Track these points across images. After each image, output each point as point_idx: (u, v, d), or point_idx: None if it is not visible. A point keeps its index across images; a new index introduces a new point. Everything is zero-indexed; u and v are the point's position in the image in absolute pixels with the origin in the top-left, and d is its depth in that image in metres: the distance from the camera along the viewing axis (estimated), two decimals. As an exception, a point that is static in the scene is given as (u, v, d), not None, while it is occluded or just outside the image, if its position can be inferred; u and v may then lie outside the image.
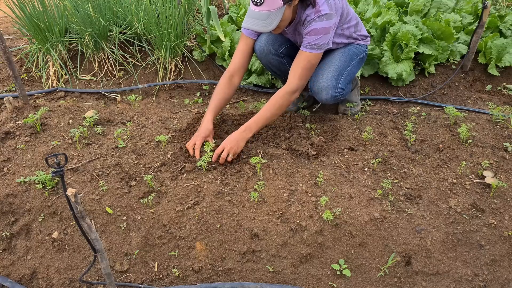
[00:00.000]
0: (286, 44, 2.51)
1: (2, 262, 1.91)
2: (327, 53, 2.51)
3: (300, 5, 2.18)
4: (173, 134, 2.45)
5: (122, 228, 1.93)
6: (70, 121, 2.52)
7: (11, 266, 1.90)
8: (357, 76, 2.91)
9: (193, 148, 2.21)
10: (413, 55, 3.02)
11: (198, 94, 3.18)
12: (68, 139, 2.36)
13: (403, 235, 1.88)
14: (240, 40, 2.42)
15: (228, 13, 3.68)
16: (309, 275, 1.81)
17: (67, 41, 3.29)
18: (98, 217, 1.95)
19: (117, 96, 3.04)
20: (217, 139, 2.38)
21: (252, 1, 2.06)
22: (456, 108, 2.74)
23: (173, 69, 3.26)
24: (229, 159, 2.13)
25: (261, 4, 2.03)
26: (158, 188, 2.06)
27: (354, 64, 2.49)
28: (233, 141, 2.15)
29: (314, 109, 2.78)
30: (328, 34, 2.17)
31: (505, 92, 3.14)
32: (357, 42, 2.52)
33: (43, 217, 1.98)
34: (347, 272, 1.79)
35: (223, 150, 2.13)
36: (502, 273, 1.84)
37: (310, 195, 2.00)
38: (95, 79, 3.26)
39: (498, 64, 3.21)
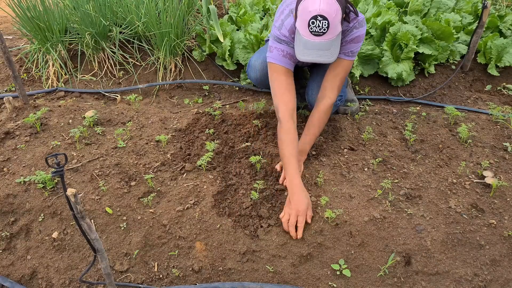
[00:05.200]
0: None
1: (2, 262, 1.91)
2: (317, 64, 2.48)
3: None
4: (173, 134, 2.45)
5: (122, 228, 1.93)
6: (70, 121, 2.53)
7: (11, 266, 1.90)
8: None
9: (292, 226, 1.83)
10: (413, 55, 3.02)
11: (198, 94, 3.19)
12: (68, 139, 2.36)
13: (403, 235, 1.88)
14: (277, 74, 2.08)
15: (228, 13, 3.68)
16: (309, 275, 1.81)
17: (67, 41, 3.28)
18: (98, 217, 1.95)
19: (117, 96, 3.04)
20: (217, 139, 2.38)
21: (310, 31, 1.79)
22: (456, 108, 2.74)
23: (173, 69, 3.26)
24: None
25: (324, 33, 1.78)
26: (158, 188, 2.06)
27: None
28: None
29: (314, 109, 2.78)
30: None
31: (505, 92, 3.14)
32: None
33: (43, 217, 1.98)
34: (347, 272, 1.79)
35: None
36: (502, 273, 1.84)
37: (310, 195, 2.00)
38: (95, 79, 3.26)
39: (498, 64, 3.20)
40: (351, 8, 1.97)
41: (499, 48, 3.17)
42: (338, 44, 1.87)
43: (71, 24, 3.26)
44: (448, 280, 1.81)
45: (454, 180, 2.15)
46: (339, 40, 1.87)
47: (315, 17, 1.76)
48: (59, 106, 2.68)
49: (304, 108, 2.75)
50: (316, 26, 1.77)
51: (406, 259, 1.84)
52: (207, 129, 2.46)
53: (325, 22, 1.76)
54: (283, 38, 2.06)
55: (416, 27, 3.08)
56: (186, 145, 2.34)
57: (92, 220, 1.93)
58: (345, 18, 1.98)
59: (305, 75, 2.88)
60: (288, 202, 1.89)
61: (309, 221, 1.86)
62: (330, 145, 2.34)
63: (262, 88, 2.50)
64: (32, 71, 3.27)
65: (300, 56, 1.89)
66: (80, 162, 2.19)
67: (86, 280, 1.81)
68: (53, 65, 3.21)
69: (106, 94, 3.09)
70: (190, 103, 3.02)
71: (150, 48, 3.32)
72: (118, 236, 1.92)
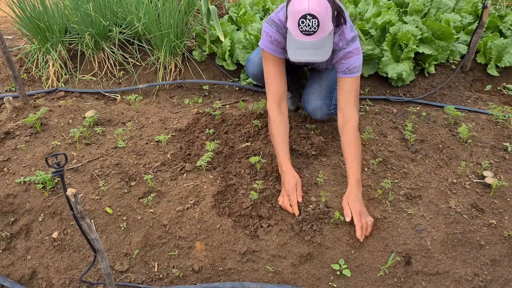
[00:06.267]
0: None
1: (2, 262, 1.91)
2: (315, 69, 2.48)
3: None
4: (173, 134, 2.45)
5: (122, 228, 1.93)
6: (70, 121, 2.53)
7: (11, 266, 1.90)
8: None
9: (291, 205, 1.92)
10: (413, 55, 3.02)
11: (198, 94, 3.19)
12: (68, 139, 2.36)
13: (403, 235, 1.88)
14: (266, 61, 2.11)
15: (228, 13, 3.68)
16: (309, 275, 1.81)
17: (67, 41, 3.28)
18: (98, 217, 1.95)
19: (117, 96, 3.04)
20: (217, 139, 2.38)
21: (301, 31, 1.78)
22: (456, 108, 2.74)
23: (173, 69, 3.26)
24: (370, 227, 1.86)
25: (315, 32, 1.77)
26: (158, 188, 2.06)
27: None
28: (360, 202, 1.89)
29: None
30: (360, 53, 2.04)
31: (505, 92, 3.14)
32: None
33: (43, 217, 1.98)
34: (347, 272, 1.79)
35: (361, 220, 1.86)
36: (502, 273, 1.84)
37: (310, 195, 2.00)
38: (95, 79, 3.26)
39: (498, 64, 3.21)
40: (342, 13, 1.94)
41: (499, 48, 3.18)
42: (330, 42, 1.85)
43: (71, 24, 3.26)
44: (448, 280, 1.81)
45: (454, 180, 2.15)
46: (331, 38, 1.84)
47: (304, 16, 1.74)
48: (59, 106, 2.68)
49: (304, 108, 2.75)
50: (306, 25, 1.76)
51: (406, 259, 1.84)
52: (207, 129, 2.46)
53: (315, 21, 1.74)
54: (276, 21, 2.03)
55: (416, 27, 3.08)
56: (186, 145, 2.34)
57: (92, 220, 1.93)
58: (337, 18, 1.94)
59: (305, 75, 2.88)
60: (286, 186, 1.98)
61: (299, 199, 1.94)
62: (330, 145, 2.34)
63: (260, 84, 2.52)
64: (32, 71, 3.27)
65: (292, 57, 1.87)
66: (80, 162, 2.19)
67: (86, 280, 1.81)
68: (53, 65, 3.21)
69: (106, 94, 3.09)
70: (190, 103, 3.02)
71: (150, 48, 3.32)
72: (118, 236, 1.92)
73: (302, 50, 1.84)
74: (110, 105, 2.91)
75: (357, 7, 3.61)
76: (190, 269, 1.84)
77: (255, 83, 3.10)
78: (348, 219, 1.86)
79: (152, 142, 2.37)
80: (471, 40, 3.13)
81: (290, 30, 1.82)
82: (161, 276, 1.83)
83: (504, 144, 2.40)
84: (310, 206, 1.95)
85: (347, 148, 2.01)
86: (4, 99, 2.59)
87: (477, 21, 3.09)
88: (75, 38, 3.28)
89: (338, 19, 1.95)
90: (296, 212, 1.90)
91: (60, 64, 3.21)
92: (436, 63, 3.19)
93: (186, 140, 2.39)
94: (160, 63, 3.23)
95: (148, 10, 3.11)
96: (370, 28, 3.17)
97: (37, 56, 3.26)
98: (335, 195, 2.01)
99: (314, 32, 1.77)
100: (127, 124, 2.55)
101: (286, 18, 1.87)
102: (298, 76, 2.75)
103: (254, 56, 2.49)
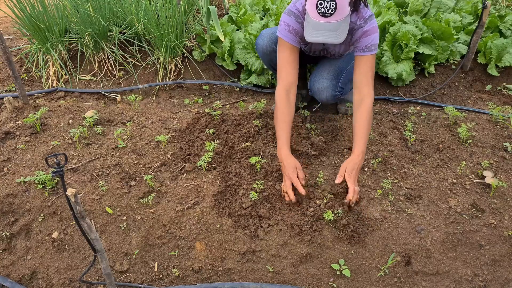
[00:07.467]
0: None
1: (2, 262, 1.91)
2: (326, 58, 2.50)
3: None
4: (173, 134, 2.45)
5: (122, 228, 1.93)
6: (70, 121, 2.53)
7: (11, 266, 1.90)
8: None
9: (289, 188, 1.95)
10: (413, 55, 3.02)
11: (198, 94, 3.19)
12: (68, 139, 2.36)
13: (403, 235, 1.88)
14: (281, 49, 2.16)
15: (228, 13, 3.68)
16: (309, 275, 1.81)
17: (67, 41, 3.29)
18: (98, 217, 1.95)
19: (117, 96, 3.04)
20: (217, 139, 2.38)
21: (318, 13, 1.86)
22: (456, 108, 2.74)
23: (173, 69, 3.26)
24: (357, 198, 1.96)
25: (332, 14, 1.85)
26: (158, 188, 2.06)
27: (353, 64, 2.46)
28: (357, 171, 1.98)
29: (314, 109, 2.78)
30: (377, 31, 2.10)
31: (505, 92, 3.14)
32: None
33: (43, 217, 1.98)
34: (347, 272, 1.79)
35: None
36: (502, 273, 1.84)
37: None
38: (95, 79, 3.26)
39: (498, 64, 3.21)
40: None
41: (499, 48, 3.17)
42: (346, 25, 1.91)
43: (71, 24, 3.26)
44: (448, 280, 1.81)
45: (454, 180, 2.15)
46: (347, 21, 1.91)
47: None
48: (59, 106, 2.68)
49: (304, 108, 2.75)
50: (324, 7, 1.84)
51: (406, 259, 1.84)
52: (207, 129, 2.46)
53: (332, 3, 1.82)
54: (294, 11, 2.10)
55: (416, 27, 3.08)
56: (186, 145, 2.35)
57: (92, 220, 1.93)
58: (355, 2, 1.99)
59: (306, 76, 2.87)
60: (287, 171, 2.00)
61: (302, 182, 1.97)
62: (330, 145, 2.34)
63: (266, 62, 2.56)
64: (32, 71, 3.27)
65: (308, 37, 1.94)
66: (80, 162, 2.19)
67: (86, 280, 1.81)
68: (53, 65, 3.21)
69: (106, 94, 3.09)
70: (190, 103, 3.02)
71: (150, 48, 3.32)
72: (118, 236, 1.92)
73: (318, 31, 1.91)
74: (110, 105, 2.91)
75: (357, 7, 3.61)
76: (190, 269, 1.84)
77: (255, 83, 3.10)
78: (337, 182, 1.98)
79: (152, 142, 2.37)
80: (471, 40, 3.13)
81: (308, 11, 1.90)
82: (161, 276, 1.83)
83: (504, 144, 2.40)
84: (312, 206, 1.94)
85: (359, 123, 2.06)
86: (4, 99, 2.59)
87: (477, 21, 3.09)
88: (75, 38, 3.28)
89: (357, 4, 2.01)
90: (302, 192, 1.92)
91: (60, 64, 3.21)
92: (436, 63, 3.19)
93: (186, 140, 2.39)
94: (160, 63, 3.23)
95: (148, 11, 3.11)
96: (370, 28, 3.17)
97: (37, 56, 3.26)
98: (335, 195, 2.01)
99: (332, 14, 1.85)
100: (127, 124, 2.55)
101: (306, 1, 1.92)
102: (300, 76, 2.75)
103: (266, 32, 2.52)
